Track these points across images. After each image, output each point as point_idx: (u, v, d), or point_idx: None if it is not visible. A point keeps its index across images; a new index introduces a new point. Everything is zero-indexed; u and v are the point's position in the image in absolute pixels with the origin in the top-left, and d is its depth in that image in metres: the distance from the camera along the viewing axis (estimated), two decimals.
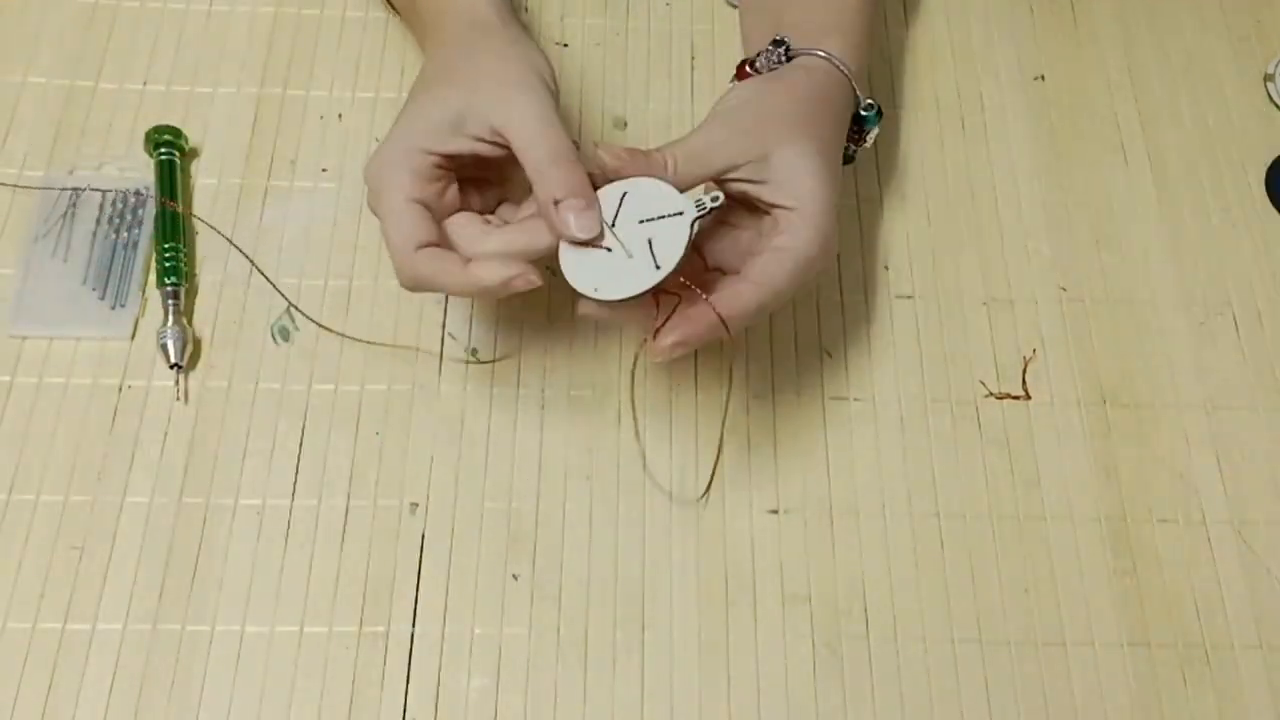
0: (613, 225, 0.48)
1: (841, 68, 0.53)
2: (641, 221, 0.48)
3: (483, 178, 0.52)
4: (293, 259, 0.59)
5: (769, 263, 0.48)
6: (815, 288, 0.59)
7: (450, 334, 0.57)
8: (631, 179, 0.48)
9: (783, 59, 0.54)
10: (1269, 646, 0.52)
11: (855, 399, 0.57)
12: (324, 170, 0.61)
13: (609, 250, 0.47)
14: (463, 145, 0.49)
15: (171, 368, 0.55)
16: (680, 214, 0.47)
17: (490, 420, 0.55)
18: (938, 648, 0.51)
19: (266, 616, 0.51)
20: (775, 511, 0.54)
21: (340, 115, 0.63)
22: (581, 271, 0.47)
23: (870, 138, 0.57)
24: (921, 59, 0.67)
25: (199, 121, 0.62)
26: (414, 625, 0.51)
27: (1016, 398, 0.57)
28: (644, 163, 0.48)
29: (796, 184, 0.49)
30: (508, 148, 0.49)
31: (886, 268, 0.60)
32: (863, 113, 0.55)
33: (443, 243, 0.49)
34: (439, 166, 0.49)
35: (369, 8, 0.66)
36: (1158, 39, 0.68)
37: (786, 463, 0.55)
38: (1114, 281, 0.60)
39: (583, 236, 0.47)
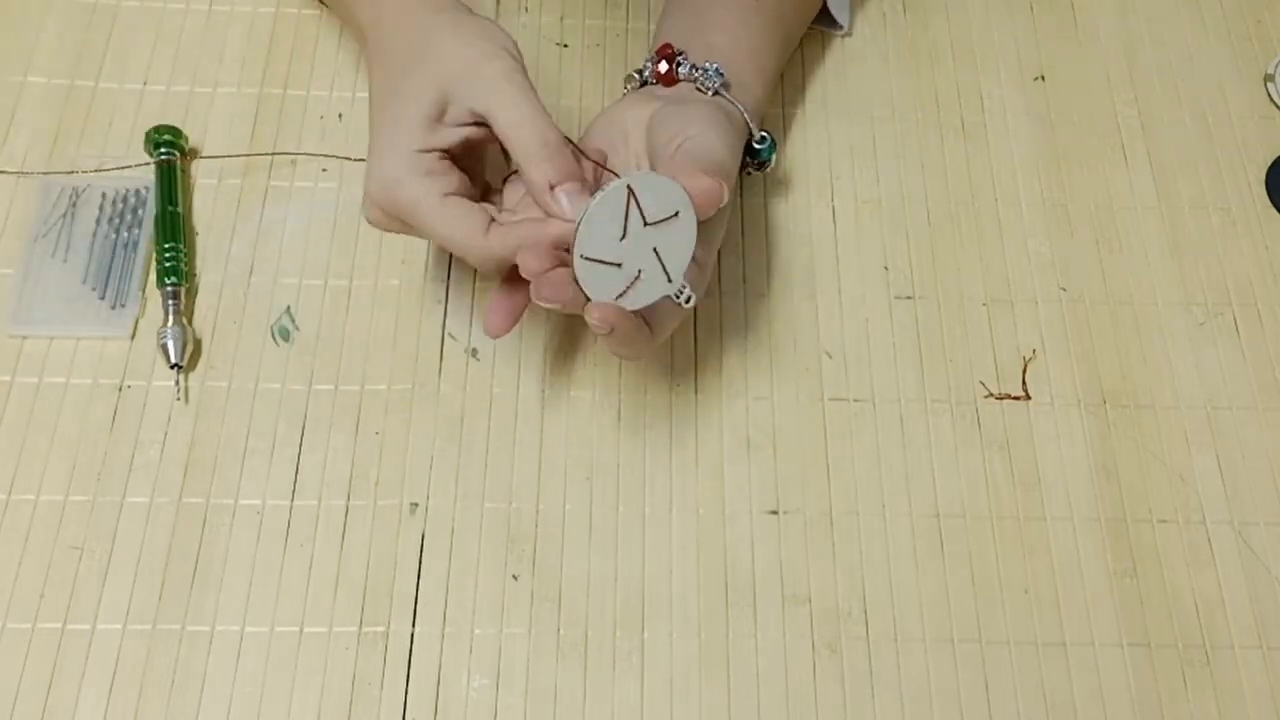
0: (623, 238, 0.47)
1: (746, 119, 0.56)
2: (647, 224, 0.47)
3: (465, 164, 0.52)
4: (293, 259, 0.59)
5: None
6: (815, 288, 0.59)
7: (450, 334, 0.57)
8: (634, 173, 0.48)
9: (711, 91, 0.55)
10: (1269, 646, 0.52)
11: (855, 399, 0.57)
12: (324, 170, 0.61)
13: (619, 266, 0.47)
14: (452, 136, 0.49)
15: (171, 368, 0.55)
16: (670, 282, 0.48)
17: (490, 420, 0.55)
18: (938, 648, 0.51)
19: (266, 616, 0.51)
20: (775, 512, 0.54)
21: (340, 115, 0.63)
22: (598, 285, 0.47)
23: (769, 166, 0.59)
24: (921, 59, 0.67)
25: (199, 121, 0.62)
26: (414, 625, 0.51)
27: (1016, 398, 0.57)
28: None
29: (709, 239, 0.52)
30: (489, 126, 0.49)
31: (886, 268, 0.60)
32: (756, 145, 0.58)
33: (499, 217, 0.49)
34: (441, 160, 0.49)
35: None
36: (1158, 39, 0.68)
37: (786, 463, 0.55)
38: (1114, 281, 0.60)
39: (575, 218, 0.46)
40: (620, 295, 0.47)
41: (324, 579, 0.52)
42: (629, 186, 0.46)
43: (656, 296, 0.48)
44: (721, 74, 0.55)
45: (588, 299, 0.46)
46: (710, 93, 0.55)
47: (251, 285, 0.58)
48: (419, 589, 0.52)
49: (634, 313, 0.48)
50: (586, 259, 0.46)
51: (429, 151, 0.48)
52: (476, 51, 0.49)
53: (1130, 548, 0.54)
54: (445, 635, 0.51)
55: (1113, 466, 0.56)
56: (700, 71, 0.55)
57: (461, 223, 0.48)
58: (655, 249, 0.47)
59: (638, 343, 0.49)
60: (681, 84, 0.56)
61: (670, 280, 0.48)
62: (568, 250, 0.46)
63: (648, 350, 0.50)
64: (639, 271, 0.47)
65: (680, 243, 0.48)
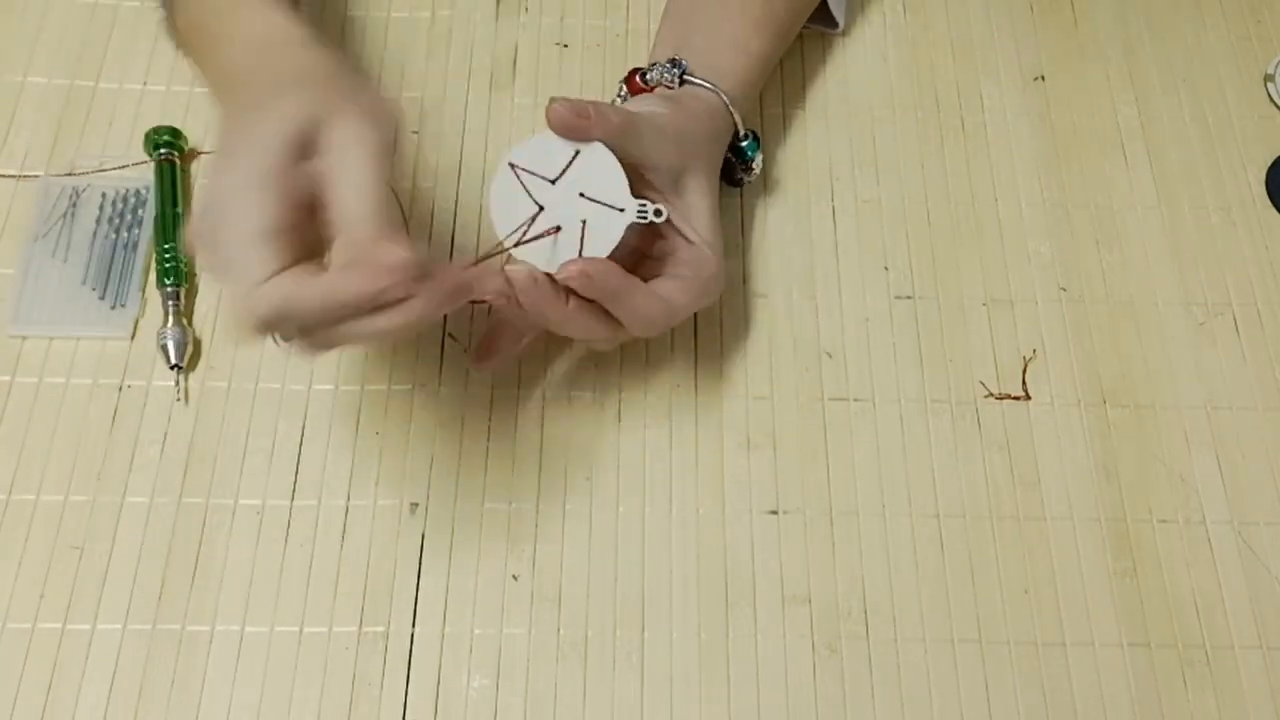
0: (555, 181, 0.47)
1: (727, 102, 0.55)
2: (582, 194, 0.47)
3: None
4: None
5: (676, 288, 0.50)
6: (815, 289, 0.59)
7: (450, 334, 0.57)
8: (590, 144, 0.47)
9: (676, 81, 0.55)
10: (1269, 646, 0.52)
11: (855, 399, 0.57)
12: None
13: (541, 207, 0.47)
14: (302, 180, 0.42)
15: (171, 368, 0.55)
16: (622, 210, 0.47)
17: (490, 420, 0.55)
18: (938, 648, 0.51)
19: (266, 616, 0.51)
20: (775, 512, 0.54)
21: None
22: (508, 216, 0.47)
23: (756, 166, 0.59)
24: (921, 59, 0.67)
25: (199, 121, 0.62)
26: (414, 625, 0.51)
27: (1016, 398, 0.57)
28: (603, 120, 0.47)
29: (700, 218, 0.52)
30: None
31: (886, 268, 0.60)
32: (741, 143, 0.58)
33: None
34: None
35: (368, 7, 0.66)
36: (1158, 39, 0.68)
37: (786, 463, 0.55)
38: (1114, 281, 0.60)
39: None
40: (581, 251, 0.47)
41: (324, 579, 0.52)
42: (510, 164, 0.47)
43: (621, 229, 0.47)
44: (680, 65, 0.55)
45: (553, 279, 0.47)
46: (676, 83, 0.55)
47: None
48: (419, 589, 0.52)
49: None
50: (523, 244, 0.47)
51: (278, 179, 0.42)
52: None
53: (1130, 548, 0.54)
54: (445, 635, 0.51)
55: (1113, 466, 0.56)
56: (662, 70, 0.55)
57: (250, 252, 0.41)
58: (582, 194, 0.47)
59: (634, 299, 0.47)
60: (654, 91, 0.56)
61: (622, 210, 0.47)
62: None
63: (654, 311, 0.48)
64: (582, 222, 0.47)
65: (602, 174, 0.47)
